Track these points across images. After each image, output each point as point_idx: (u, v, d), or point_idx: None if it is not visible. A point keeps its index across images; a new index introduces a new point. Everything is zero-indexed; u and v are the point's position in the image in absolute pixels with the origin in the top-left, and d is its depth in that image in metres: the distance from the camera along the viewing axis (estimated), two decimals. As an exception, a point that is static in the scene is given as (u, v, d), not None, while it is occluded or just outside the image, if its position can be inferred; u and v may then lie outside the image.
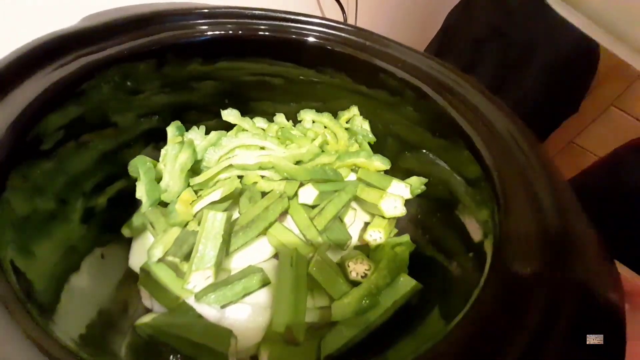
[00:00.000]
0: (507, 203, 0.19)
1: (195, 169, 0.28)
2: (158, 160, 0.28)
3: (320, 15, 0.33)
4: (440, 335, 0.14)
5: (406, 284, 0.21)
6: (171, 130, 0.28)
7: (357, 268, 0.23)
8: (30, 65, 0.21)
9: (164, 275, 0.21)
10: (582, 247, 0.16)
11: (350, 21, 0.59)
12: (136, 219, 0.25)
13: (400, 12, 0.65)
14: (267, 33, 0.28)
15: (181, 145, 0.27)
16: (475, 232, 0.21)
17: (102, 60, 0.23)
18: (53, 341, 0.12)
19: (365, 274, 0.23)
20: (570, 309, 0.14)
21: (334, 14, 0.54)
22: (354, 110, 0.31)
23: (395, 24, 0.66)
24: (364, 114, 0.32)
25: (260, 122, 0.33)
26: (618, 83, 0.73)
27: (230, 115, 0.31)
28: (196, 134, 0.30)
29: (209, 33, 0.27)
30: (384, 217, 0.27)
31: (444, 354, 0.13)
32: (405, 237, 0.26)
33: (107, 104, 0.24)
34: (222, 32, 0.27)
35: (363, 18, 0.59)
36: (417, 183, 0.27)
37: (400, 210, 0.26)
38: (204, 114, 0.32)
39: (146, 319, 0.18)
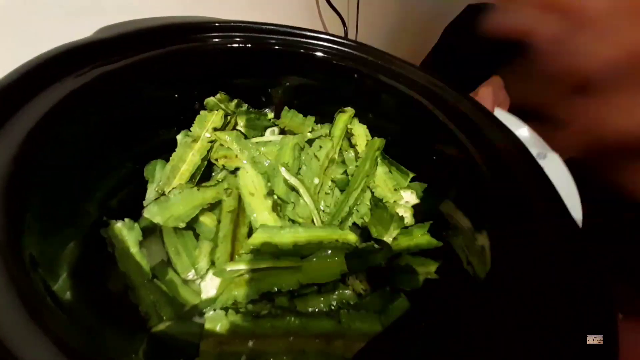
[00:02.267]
0: (503, 212, 0.20)
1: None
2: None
3: (322, 28, 0.35)
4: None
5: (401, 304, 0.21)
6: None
7: (356, 286, 0.23)
8: (46, 76, 0.22)
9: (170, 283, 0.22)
10: (576, 250, 0.17)
11: (351, 34, 0.61)
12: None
13: (399, 26, 0.68)
14: (277, 47, 0.29)
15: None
16: (474, 239, 0.22)
17: (117, 71, 0.24)
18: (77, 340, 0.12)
19: (361, 294, 0.23)
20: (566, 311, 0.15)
21: (335, 27, 0.56)
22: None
23: (394, 38, 0.68)
24: (369, 122, 0.33)
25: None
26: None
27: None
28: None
29: (221, 46, 0.28)
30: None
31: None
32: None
33: (121, 114, 0.25)
34: (234, 45, 0.28)
35: (363, 31, 0.61)
36: (419, 188, 0.28)
37: (409, 220, 0.27)
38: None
39: (161, 326, 0.19)
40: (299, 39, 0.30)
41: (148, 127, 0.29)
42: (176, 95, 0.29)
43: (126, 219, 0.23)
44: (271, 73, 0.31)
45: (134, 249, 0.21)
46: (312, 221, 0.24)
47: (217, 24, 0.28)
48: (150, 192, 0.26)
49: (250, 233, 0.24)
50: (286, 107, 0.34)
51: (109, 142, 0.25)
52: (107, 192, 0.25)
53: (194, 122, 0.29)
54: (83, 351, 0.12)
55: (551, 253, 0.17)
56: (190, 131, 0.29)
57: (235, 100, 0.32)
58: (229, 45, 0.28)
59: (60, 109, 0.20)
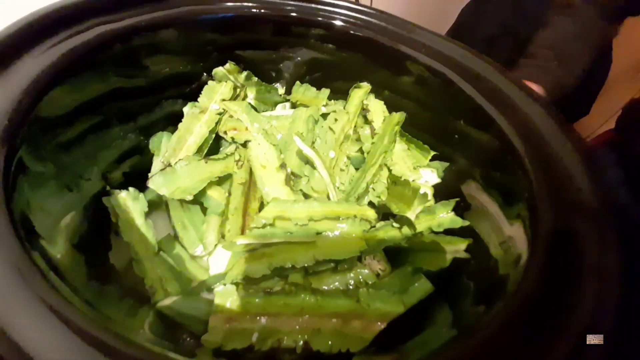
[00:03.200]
0: (541, 194, 0.18)
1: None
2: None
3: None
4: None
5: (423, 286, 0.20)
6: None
7: (373, 265, 0.21)
8: (44, 31, 0.20)
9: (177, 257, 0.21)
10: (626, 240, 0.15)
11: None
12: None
13: (414, 6, 0.65)
14: (292, 14, 0.27)
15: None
16: (508, 226, 0.20)
17: (120, 30, 0.22)
18: (78, 312, 0.11)
19: (379, 274, 0.21)
20: (616, 311, 0.13)
21: None
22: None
23: (410, 9, 0.65)
24: (385, 99, 0.31)
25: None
26: (629, 87, 0.72)
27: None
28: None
29: (233, 9, 0.26)
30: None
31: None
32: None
33: (120, 77, 0.23)
34: (248, 10, 0.26)
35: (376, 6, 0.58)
36: (440, 167, 0.27)
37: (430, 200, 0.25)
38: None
39: (167, 301, 0.18)
40: (316, 5, 0.28)
41: (153, 97, 0.27)
42: (183, 63, 0.27)
43: (131, 189, 0.21)
44: (285, 43, 0.29)
45: (139, 220, 0.20)
46: (328, 196, 0.23)
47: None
48: (156, 165, 0.25)
49: (261, 208, 0.22)
50: (298, 82, 0.32)
51: (110, 109, 0.24)
52: (111, 163, 0.24)
53: (202, 93, 0.27)
54: (87, 324, 0.11)
55: (598, 246, 0.15)
56: (198, 102, 0.27)
57: (245, 72, 0.30)
58: (242, 9, 0.26)
59: (58, 64, 0.19)
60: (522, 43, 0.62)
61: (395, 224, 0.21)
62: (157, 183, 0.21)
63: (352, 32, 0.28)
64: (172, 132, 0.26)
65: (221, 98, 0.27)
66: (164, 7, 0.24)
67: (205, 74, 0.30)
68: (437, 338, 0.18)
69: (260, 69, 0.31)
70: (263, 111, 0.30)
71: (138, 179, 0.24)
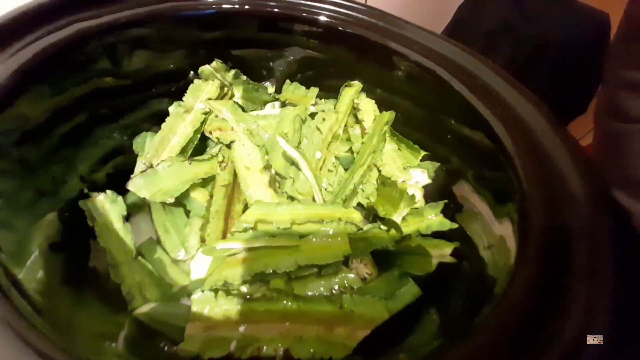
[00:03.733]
0: (531, 194, 0.17)
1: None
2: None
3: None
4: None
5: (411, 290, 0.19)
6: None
7: (360, 269, 0.21)
8: (20, 28, 0.19)
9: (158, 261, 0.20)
10: (619, 243, 0.15)
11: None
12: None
13: (410, 2, 0.64)
14: (276, 10, 0.26)
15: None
16: (497, 226, 0.20)
17: (97, 28, 0.21)
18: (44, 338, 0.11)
19: (365, 278, 0.21)
20: (607, 313, 0.13)
21: None
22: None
23: (406, 13, 0.64)
24: (377, 97, 0.30)
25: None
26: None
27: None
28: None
29: (215, 6, 0.25)
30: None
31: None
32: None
33: (101, 76, 0.23)
34: (228, 7, 0.25)
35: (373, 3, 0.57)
36: (431, 167, 0.26)
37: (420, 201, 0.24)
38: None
39: (145, 308, 0.17)
40: (303, 0, 0.27)
41: (138, 95, 0.26)
42: (168, 60, 0.26)
43: (108, 191, 0.21)
44: (275, 40, 0.29)
45: (117, 224, 0.20)
46: (313, 199, 0.22)
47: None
48: (139, 166, 0.24)
49: (245, 211, 0.21)
50: (288, 80, 0.31)
51: (91, 108, 0.23)
52: (93, 164, 0.23)
53: (187, 91, 0.27)
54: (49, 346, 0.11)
55: (587, 246, 0.15)
56: (183, 101, 0.26)
57: (233, 71, 0.30)
58: (223, 5, 0.25)
59: (34, 63, 0.18)
60: (521, 40, 0.61)
61: (382, 227, 0.21)
62: (137, 185, 0.21)
63: (340, 28, 0.27)
64: (157, 132, 0.26)
65: (207, 97, 0.26)
66: (145, 3, 0.23)
67: (192, 72, 0.29)
68: (424, 344, 0.17)
69: (250, 67, 0.30)
70: (251, 110, 0.29)
71: (122, 180, 0.24)
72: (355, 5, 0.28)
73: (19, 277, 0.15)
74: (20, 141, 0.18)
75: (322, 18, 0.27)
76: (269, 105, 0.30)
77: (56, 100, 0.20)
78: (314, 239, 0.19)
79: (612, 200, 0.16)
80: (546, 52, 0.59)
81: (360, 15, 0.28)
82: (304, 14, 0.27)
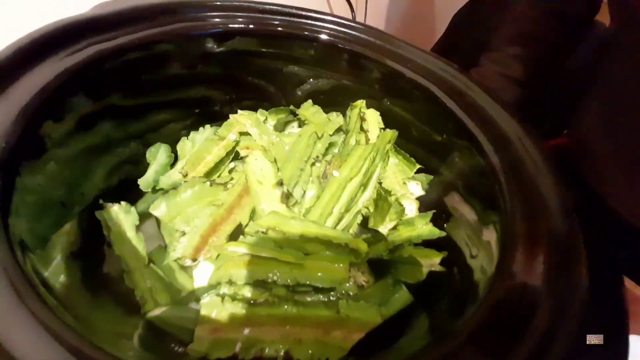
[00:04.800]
0: (513, 204, 0.19)
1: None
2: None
3: (329, 13, 0.33)
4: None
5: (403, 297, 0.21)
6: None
7: (358, 277, 0.22)
8: (41, 51, 0.21)
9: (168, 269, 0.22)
10: (588, 251, 0.16)
11: (359, 19, 0.59)
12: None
13: (408, 11, 0.65)
14: (279, 28, 0.28)
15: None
16: (480, 235, 0.21)
17: (113, 49, 0.23)
18: (65, 326, 0.12)
19: (363, 285, 0.22)
20: (576, 313, 0.14)
21: (343, 12, 0.54)
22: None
23: (403, 23, 0.66)
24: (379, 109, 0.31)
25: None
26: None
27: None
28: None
29: (222, 26, 0.26)
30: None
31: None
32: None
33: (116, 94, 0.24)
34: (235, 26, 0.27)
35: (372, 17, 0.59)
36: (425, 180, 0.27)
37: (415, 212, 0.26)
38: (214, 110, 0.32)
39: (157, 312, 0.19)
40: (303, 20, 0.29)
41: (153, 114, 0.28)
42: (177, 76, 0.28)
43: (122, 203, 0.22)
44: (274, 58, 0.30)
45: (130, 233, 0.21)
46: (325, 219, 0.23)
47: (218, 3, 0.27)
48: (150, 174, 0.26)
49: (235, 234, 0.23)
50: (310, 101, 0.32)
51: (102, 121, 0.24)
52: (106, 173, 0.25)
53: (222, 126, 0.29)
54: (73, 337, 0.12)
55: (561, 253, 0.16)
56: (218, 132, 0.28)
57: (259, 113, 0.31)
58: (230, 25, 0.27)
59: (56, 84, 0.20)
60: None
61: (371, 238, 0.22)
62: (159, 209, 0.22)
63: (341, 45, 0.29)
64: (169, 143, 0.28)
65: (239, 131, 0.28)
66: (155, 26, 0.25)
67: (203, 87, 0.30)
68: (413, 345, 0.19)
69: (255, 87, 0.32)
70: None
71: (130, 188, 0.25)
72: (354, 25, 0.30)
73: (45, 275, 0.16)
74: (45, 158, 0.19)
75: (323, 36, 0.29)
76: (289, 126, 0.32)
77: (78, 113, 0.22)
78: (318, 259, 0.20)
79: (584, 212, 0.18)
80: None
81: (359, 34, 0.30)
82: (305, 32, 0.29)
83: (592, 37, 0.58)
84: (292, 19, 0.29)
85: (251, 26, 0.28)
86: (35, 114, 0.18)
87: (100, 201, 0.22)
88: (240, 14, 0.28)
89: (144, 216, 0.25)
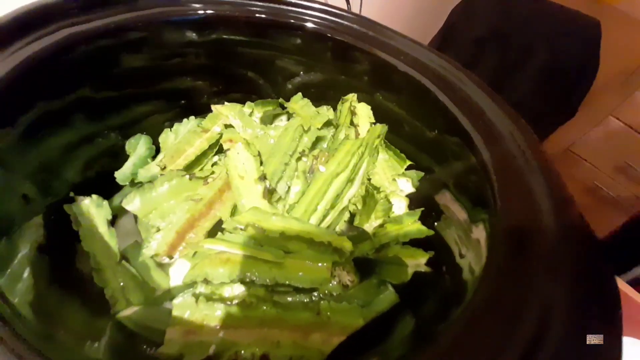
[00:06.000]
0: (503, 202, 0.18)
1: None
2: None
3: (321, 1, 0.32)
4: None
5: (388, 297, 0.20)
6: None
7: (343, 276, 0.21)
8: (11, 34, 0.19)
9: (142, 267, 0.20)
10: (579, 249, 0.16)
11: (355, 10, 0.58)
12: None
13: (405, 5, 0.64)
14: (265, 16, 0.27)
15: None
16: (470, 231, 0.21)
17: (87, 33, 0.21)
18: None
19: (347, 285, 0.21)
20: (565, 311, 0.13)
21: (338, 2, 0.52)
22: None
23: (399, 18, 0.64)
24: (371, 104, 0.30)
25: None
26: (618, 93, 0.73)
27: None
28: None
29: (202, 12, 0.25)
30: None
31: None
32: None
33: (90, 84, 0.23)
34: (217, 12, 0.26)
35: (367, 9, 0.58)
36: (415, 176, 0.27)
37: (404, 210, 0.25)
38: (197, 100, 0.30)
39: (128, 312, 0.18)
40: (291, 7, 0.28)
41: (126, 100, 0.27)
42: (157, 65, 0.26)
43: (94, 196, 0.21)
44: (258, 47, 0.29)
45: (102, 228, 0.20)
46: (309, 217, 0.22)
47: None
48: (127, 166, 0.24)
49: (213, 231, 0.21)
50: (300, 94, 0.31)
51: (84, 112, 0.23)
52: (81, 166, 0.24)
53: (206, 117, 0.27)
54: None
55: (552, 252, 0.16)
56: (202, 124, 0.27)
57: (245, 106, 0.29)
58: (210, 11, 0.26)
59: (22, 71, 0.18)
60: (510, 46, 0.62)
61: (357, 236, 0.21)
62: (132, 204, 0.21)
63: (329, 35, 0.28)
64: (152, 135, 0.27)
65: (224, 123, 0.27)
66: (131, 10, 0.23)
67: (187, 77, 0.29)
68: (397, 349, 0.18)
69: (240, 78, 0.31)
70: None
71: (108, 182, 0.24)
72: (346, 14, 0.29)
73: (3, 277, 0.15)
74: (10, 143, 0.18)
75: (310, 25, 0.27)
76: (276, 120, 0.30)
77: (48, 104, 0.21)
78: (299, 259, 0.19)
79: (575, 213, 0.17)
80: (535, 58, 0.60)
81: (350, 24, 0.28)
82: (292, 21, 0.27)
83: (581, 32, 0.58)
84: (279, 6, 0.27)
85: (236, 13, 0.26)
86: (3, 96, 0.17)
87: (71, 194, 0.21)
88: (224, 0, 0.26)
89: (121, 211, 0.24)
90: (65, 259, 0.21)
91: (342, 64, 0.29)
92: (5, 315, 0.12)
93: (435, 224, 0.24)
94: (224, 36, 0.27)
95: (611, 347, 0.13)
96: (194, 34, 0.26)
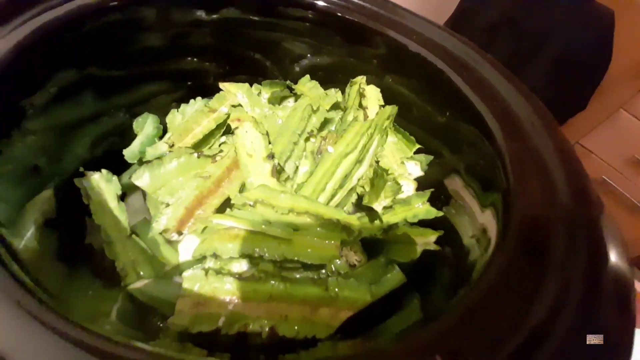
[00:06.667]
0: (518, 186, 0.18)
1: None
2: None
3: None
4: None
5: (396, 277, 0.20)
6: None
7: (350, 256, 0.21)
8: (15, 8, 0.19)
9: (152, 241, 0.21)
10: (598, 234, 0.15)
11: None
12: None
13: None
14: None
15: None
16: (480, 215, 0.20)
17: (96, 7, 0.21)
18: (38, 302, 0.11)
19: (355, 265, 0.21)
20: (582, 299, 0.13)
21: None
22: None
23: (409, 3, 0.63)
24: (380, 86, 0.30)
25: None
26: (630, 86, 0.71)
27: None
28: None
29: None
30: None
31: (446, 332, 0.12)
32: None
33: (98, 61, 0.23)
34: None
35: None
36: (424, 160, 0.26)
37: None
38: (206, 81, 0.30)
39: (139, 284, 0.18)
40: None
41: (135, 78, 0.26)
42: (163, 43, 0.26)
43: (103, 170, 0.21)
44: (264, 27, 0.28)
45: (112, 203, 0.20)
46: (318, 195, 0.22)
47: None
48: (135, 145, 0.24)
49: (222, 207, 0.22)
50: (308, 76, 0.30)
51: (92, 89, 0.23)
52: (91, 142, 0.24)
53: (213, 98, 0.27)
54: (47, 314, 0.11)
55: (566, 239, 0.15)
56: (209, 103, 0.26)
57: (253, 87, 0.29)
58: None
59: (33, 38, 0.18)
60: (523, 34, 0.60)
61: (365, 216, 0.21)
62: (142, 179, 0.21)
63: (339, 14, 0.27)
64: (159, 115, 0.26)
65: (231, 104, 0.26)
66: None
67: (190, 58, 0.29)
68: (403, 325, 0.18)
69: (247, 58, 0.30)
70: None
71: (117, 160, 0.24)
72: (357, -7, 0.28)
73: (19, 247, 0.15)
74: (19, 116, 0.18)
75: (320, 3, 0.27)
76: (285, 102, 0.30)
77: (58, 78, 0.20)
78: (308, 236, 0.19)
79: (594, 198, 0.17)
80: (548, 47, 0.59)
81: (361, 2, 0.28)
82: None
83: (596, 22, 0.56)
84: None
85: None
86: (11, 79, 0.17)
87: (81, 169, 0.21)
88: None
89: (130, 189, 0.24)
90: (74, 234, 0.21)
91: (352, 45, 0.28)
92: (23, 281, 0.12)
93: (444, 208, 0.24)
94: (232, 15, 0.27)
95: (623, 341, 0.12)
96: (202, 12, 0.26)
